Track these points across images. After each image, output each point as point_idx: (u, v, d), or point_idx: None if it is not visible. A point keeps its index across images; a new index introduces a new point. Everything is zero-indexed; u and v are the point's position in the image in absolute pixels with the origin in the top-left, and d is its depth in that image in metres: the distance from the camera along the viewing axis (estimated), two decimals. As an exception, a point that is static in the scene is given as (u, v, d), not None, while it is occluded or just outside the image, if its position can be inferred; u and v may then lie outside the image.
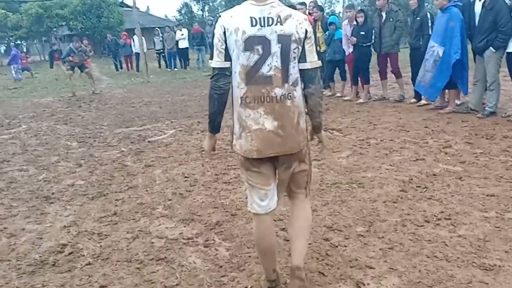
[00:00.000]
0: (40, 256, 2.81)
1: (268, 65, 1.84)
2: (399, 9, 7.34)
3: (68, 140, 6.14)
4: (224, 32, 1.85)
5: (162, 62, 17.45)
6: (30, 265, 2.70)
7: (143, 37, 14.28)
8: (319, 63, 1.97)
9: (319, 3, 8.83)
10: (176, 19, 40.15)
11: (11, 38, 35.03)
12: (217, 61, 1.89)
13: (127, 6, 31.21)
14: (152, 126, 6.65)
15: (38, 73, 19.68)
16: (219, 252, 2.71)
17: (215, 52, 1.89)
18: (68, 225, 3.28)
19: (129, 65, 17.94)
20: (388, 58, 7.29)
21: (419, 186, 3.54)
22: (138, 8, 14.80)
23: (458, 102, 6.45)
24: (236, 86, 1.90)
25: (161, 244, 2.87)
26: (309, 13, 8.22)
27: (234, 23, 1.84)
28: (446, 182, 3.60)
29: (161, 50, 17.15)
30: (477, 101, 5.88)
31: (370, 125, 5.80)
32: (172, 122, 6.81)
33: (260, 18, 1.83)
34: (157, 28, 17.90)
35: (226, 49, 1.87)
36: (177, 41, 16.13)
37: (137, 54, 16.22)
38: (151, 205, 3.55)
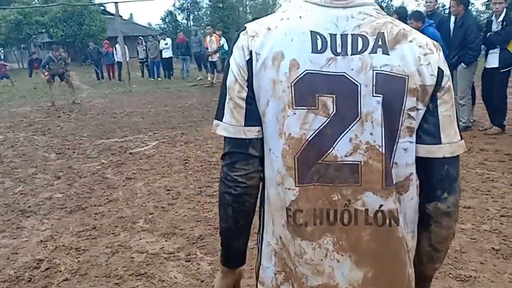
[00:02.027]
0: (15, 272, 2.73)
1: (351, 140, 0.86)
2: None
3: (46, 151, 6.01)
4: (249, 61, 0.89)
5: (145, 71, 17.36)
6: (5, 281, 2.63)
7: (125, 46, 14.19)
8: (464, 146, 0.93)
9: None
10: (160, 27, 40.08)
11: (-12, 45, 34.39)
12: (229, 124, 0.91)
13: (110, 13, 30.95)
14: (134, 137, 6.57)
15: (16, 81, 19.29)
16: (201, 266, 2.68)
17: (226, 104, 0.92)
18: (45, 240, 3.20)
19: (111, 74, 17.77)
20: None
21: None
22: (121, 16, 14.72)
23: None
24: (275, 183, 0.91)
25: (141, 259, 2.82)
26: None
27: (273, 43, 0.87)
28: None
29: (144, 59, 17.06)
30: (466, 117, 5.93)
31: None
32: (154, 133, 6.75)
33: (333, 36, 0.87)
34: (140, 37, 17.81)
35: (251, 100, 0.90)
36: (160, 51, 16.09)
37: (119, 63, 16.10)
38: (131, 219, 3.49)
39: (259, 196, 0.96)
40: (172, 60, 16.63)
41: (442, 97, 0.89)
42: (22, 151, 6.08)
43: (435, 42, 0.92)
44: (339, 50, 0.85)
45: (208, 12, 38.84)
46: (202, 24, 36.05)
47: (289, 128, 0.86)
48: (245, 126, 0.90)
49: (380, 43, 0.86)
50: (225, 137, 0.93)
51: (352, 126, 0.85)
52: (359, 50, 0.85)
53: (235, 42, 0.92)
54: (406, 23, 5.33)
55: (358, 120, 0.85)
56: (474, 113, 6.10)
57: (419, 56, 0.87)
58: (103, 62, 17.95)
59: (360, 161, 0.86)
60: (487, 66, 5.58)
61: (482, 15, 25.43)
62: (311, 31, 0.86)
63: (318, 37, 0.86)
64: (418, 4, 33.83)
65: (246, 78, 0.89)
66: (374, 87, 0.84)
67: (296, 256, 0.90)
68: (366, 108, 0.85)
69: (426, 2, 6.89)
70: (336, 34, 0.86)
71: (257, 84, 0.88)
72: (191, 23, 42.12)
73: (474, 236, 2.87)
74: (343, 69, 0.85)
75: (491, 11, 5.87)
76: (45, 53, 20.48)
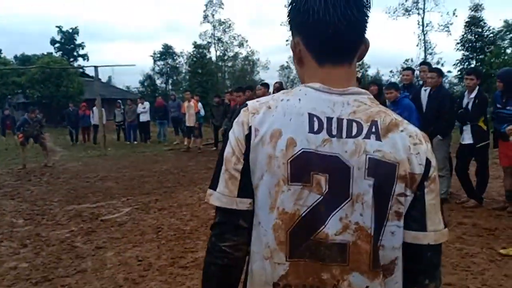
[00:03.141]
0: None
1: (341, 219, 0.90)
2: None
3: (13, 217, 5.81)
4: (248, 136, 0.94)
5: (121, 135, 17.37)
6: None
7: (102, 109, 14.31)
8: (447, 234, 1.00)
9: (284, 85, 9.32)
10: (139, 91, 40.77)
11: (-39, 103, 33.87)
12: (222, 194, 0.95)
13: (88, 76, 31.49)
14: (106, 203, 6.46)
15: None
16: None
17: (222, 175, 0.96)
18: (6, 315, 3.04)
19: (86, 136, 17.70)
20: None
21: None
22: (99, 79, 14.96)
23: None
24: (263, 257, 0.94)
25: (109, 337, 2.70)
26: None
27: (272, 121, 0.93)
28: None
29: (121, 123, 17.16)
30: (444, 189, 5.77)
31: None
32: (128, 199, 6.66)
33: (330, 119, 0.93)
34: (119, 101, 18.07)
35: (246, 172, 0.94)
36: (138, 114, 16.27)
37: (96, 126, 16.12)
38: (100, 292, 3.37)
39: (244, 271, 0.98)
40: (149, 124, 16.79)
41: (429, 186, 0.95)
42: (-12, 216, 5.86)
43: (423, 134, 0.99)
44: (334, 133, 0.91)
45: (187, 77, 39.91)
46: (181, 89, 36.97)
47: (283, 203, 0.90)
48: (238, 197, 0.94)
49: (373, 130, 0.92)
50: (217, 207, 0.96)
51: (343, 206, 0.89)
52: (353, 134, 0.92)
53: (236, 118, 0.97)
54: (382, 94, 5.56)
55: (349, 201, 0.89)
56: (451, 185, 6.02)
57: (409, 146, 0.94)
58: (80, 124, 17.95)
59: (349, 241, 0.89)
60: (462, 142, 5.55)
61: (455, 87, 27.12)
62: (308, 113, 0.92)
63: (315, 119, 0.92)
64: (392, 75, 36.04)
65: (243, 151, 0.94)
66: (366, 170, 0.89)
67: None
68: (358, 189, 0.89)
69: (403, 75, 7.03)
70: (332, 118, 0.92)
71: (253, 158, 0.93)
72: (170, 87, 43.10)
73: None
74: (337, 150, 0.90)
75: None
76: (20, 114, 20.36)
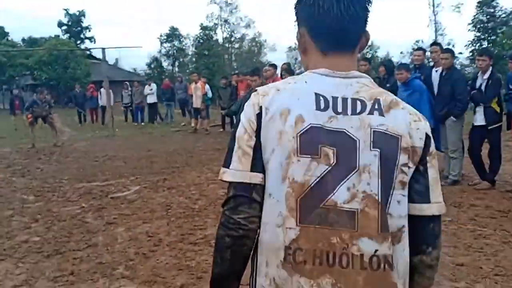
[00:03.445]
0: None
1: (349, 188, 0.95)
2: (378, 77, 7.15)
3: (24, 193, 5.88)
4: (259, 115, 1.00)
5: (129, 116, 17.44)
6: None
7: (110, 90, 14.32)
8: (445, 207, 1.07)
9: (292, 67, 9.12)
10: (146, 73, 40.73)
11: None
12: (236, 170, 1.00)
13: (95, 58, 31.47)
14: (115, 181, 6.51)
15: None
16: (183, 316, 2.62)
17: (234, 153, 1.01)
18: (19, 285, 3.11)
19: (95, 117, 17.80)
20: None
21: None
22: (107, 61, 14.95)
23: None
24: (276, 225, 0.98)
25: (121, 308, 2.74)
26: (281, 76, 8.53)
27: (281, 101, 1.00)
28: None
29: (129, 104, 17.21)
30: (457, 171, 5.76)
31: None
32: (136, 178, 6.71)
33: (335, 98, 1.00)
34: (126, 82, 18.08)
35: (257, 149, 1.00)
36: (145, 96, 16.29)
37: (103, 107, 16.18)
38: (111, 265, 3.42)
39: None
40: (156, 106, 16.81)
41: (431, 161, 1.02)
42: (0, 192, 5.95)
43: (421, 115, 1.05)
44: (339, 110, 0.98)
45: (194, 59, 39.73)
46: (187, 71, 36.85)
47: (294, 174, 0.96)
48: (251, 171, 0.99)
49: (376, 107, 1.00)
50: (230, 183, 1.01)
51: (350, 176, 0.95)
52: (357, 111, 0.98)
53: (246, 101, 1.04)
54: (393, 74, 5.51)
55: (356, 171, 0.95)
56: (463, 167, 5.96)
57: (409, 121, 1.01)
58: (87, 105, 18.03)
59: (357, 209, 0.94)
60: (474, 124, 5.51)
61: (466, 69, 26.74)
62: (315, 93, 1.00)
63: (321, 98, 0.99)
64: (403, 56, 35.53)
65: (254, 129, 1.00)
66: (372, 143, 0.96)
67: None
68: (364, 161, 0.95)
69: (414, 55, 6.86)
70: (337, 97, 1.00)
71: (264, 135, 0.99)
72: (176, 69, 42.98)
73: (467, 295, 2.83)
74: (343, 126, 0.97)
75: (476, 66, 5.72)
76: (28, 95, 20.48)
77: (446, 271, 3.23)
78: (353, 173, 0.95)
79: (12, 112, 16.86)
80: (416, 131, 1.00)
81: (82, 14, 40.74)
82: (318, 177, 0.95)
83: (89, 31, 41.77)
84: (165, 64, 43.08)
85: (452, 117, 5.58)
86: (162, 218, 4.64)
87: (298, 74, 1.16)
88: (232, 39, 42.90)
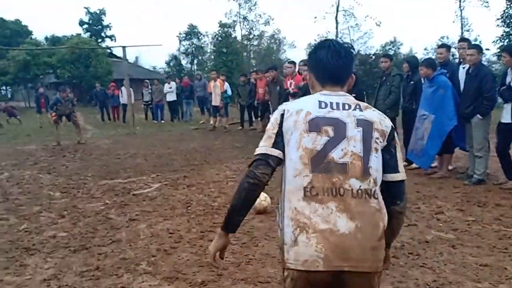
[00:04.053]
0: (19, 312, 2.75)
1: (342, 149, 1.52)
2: (398, 74, 7.09)
3: (51, 190, 6.10)
4: (282, 115, 1.60)
5: (149, 114, 17.69)
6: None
7: (131, 88, 14.56)
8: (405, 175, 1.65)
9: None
10: (165, 71, 41.12)
11: (-3, 83, 35.19)
12: (262, 147, 1.60)
13: (116, 56, 31.96)
14: (137, 178, 6.68)
15: (21, 120, 19.65)
16: (203, 311, 2.70)
17: (264, 138, 1.62)
18: (48, 278, 3.24)
19: (116, 116, 18.12)
20: None
21: (411, 253, 3.53)
22: (127, 60, 15.17)
23: (450, 167, 6.44)
24: (294, 175, 1.52)
25: (144, 302, 2.84)
26: (299, 73, 8.56)
27: (296, 105, 1.62)
28: (438, 249, 3.61)
29: (149, 102, 17.46)
30: (482, 170, 5.68)
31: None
32: (157, 175, 6.86)
33: (331, 103, 1.60)
34: (146, 80, 18.34)
35: (278, 134, 1.59)
36: (165, 94, 16.49)
37: (124, 105, 16.45)
38: (134, 261, 3.54)
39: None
40: (176, 103, 16.99)
41: (396, 143, 1.64)
42: (27, 188, 6.17)
43: (385, 116, 1.66)
44: (334, 108, 1.60)
45: (212, 57, 39.85)
46: (206, 69, 37.05)
47: (305, 144, 1.54)
48: (271, 147, 1.59)
49: (357, 107, 1.62)
50: (256, 155, 1.60)
51: (343, 142, 1.54)
52: (346, 109, 1.60)
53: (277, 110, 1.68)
54: (417, 71, 5.58)
55: (346, 139, 1.54)
56: (489, 166, 5.84)
57: (378, 115, 1.63)
58: (108, 103, 18.36)
59: (348, 161, 1.52)
60: (502, 121, 5.37)
61: (493, 65, 25.92)
62: (318, 100, 1.63)
63: (322, 102, 1.62)
64: (427, 52, 34.65)
65: (278, 123, 1.61)
66: (356, 125, 1.57)
67: (311, 213, 1.48)
68: (351, 133, 1.55)
69: (437, 53, 6.70)
70: (333, 102, 1.62)
71: (285, 126, 1.59)
72: (195, 67, 43.25)
73: (492, 296, 2.80)
74: (337, 115, 1.58)
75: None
76: (52, 93, 21.00)
77: (469, 271, 3.20)
78: (344, 140, 1.53)
79: (38, 110, 17.29)
80: (383, 121, 1.62)
81: (102, 12, 41.46)
82: (322, 145, 1.52)
83: (110, 29, 42.50)
84: (184, 62, 43.43)
85: (478, 115, 5.46)
86: (182, 215, 4.75)
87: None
88: (251, 36, 42.84)
